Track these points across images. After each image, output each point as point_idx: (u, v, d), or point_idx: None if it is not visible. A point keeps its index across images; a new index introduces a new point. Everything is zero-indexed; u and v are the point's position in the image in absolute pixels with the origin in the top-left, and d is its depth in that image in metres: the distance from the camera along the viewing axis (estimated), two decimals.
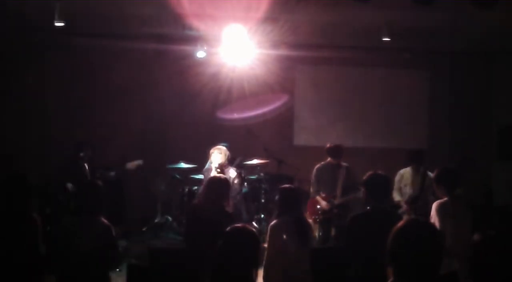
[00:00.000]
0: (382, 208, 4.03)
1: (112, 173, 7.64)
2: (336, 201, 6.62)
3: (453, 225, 4.48)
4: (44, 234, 4.14)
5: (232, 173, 6.73)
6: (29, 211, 4.09)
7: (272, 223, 4.45)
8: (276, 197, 4.67)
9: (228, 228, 2.78)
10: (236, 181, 6.72)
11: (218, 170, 6.60)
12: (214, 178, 5.17)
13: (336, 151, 6.65)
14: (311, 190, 6.81)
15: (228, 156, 6.82)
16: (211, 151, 6.75)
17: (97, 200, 4.01)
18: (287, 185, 4.75)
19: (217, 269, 2.69)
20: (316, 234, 6.99)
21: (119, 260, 4.16)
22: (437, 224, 4.49)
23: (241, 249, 2.67)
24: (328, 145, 6.73)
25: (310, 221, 6.81)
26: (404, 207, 6.37)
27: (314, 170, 6.75)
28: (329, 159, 6.71)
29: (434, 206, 4.59)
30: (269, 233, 4.42)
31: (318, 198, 6.67)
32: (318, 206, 6.67)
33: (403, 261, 2.21)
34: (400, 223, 2.30)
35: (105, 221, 3.99)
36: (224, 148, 6.81)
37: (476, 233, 2.39)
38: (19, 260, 3.94)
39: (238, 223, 2.92)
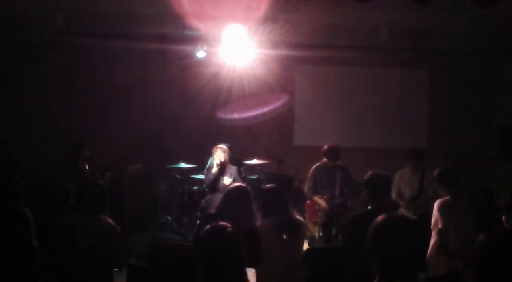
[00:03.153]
0: (383, 208, 4.02)
1: (112, 173, 7.64)
2: (336, 201, 6.61)
3: (456, 224, 4.48)
4: (44, 234, 4.14)
5: (233, 169, 6.86)
6: (19, 207, 4.09)
7: (259, 224, 4.26)
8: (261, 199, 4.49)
9: (206, 228, 2.75)
10: (237, 179, 6.83)
11: (219, 167, 6.73)
12: (232, 188, 4.31)
13: (333, 153, 6.64)
14: (306, 187, 6.79)
15: (230, 156, 6.92)
16: (214, 149, 6.84)
17: (101, 200, 4.01)
18: (269, 186, 4.62)
19: (205, 269, 2.65)
20: (317, 234, 7.00)
21: (124, 259, 4.15)
22: (439, 223, 4.50)
23: (222, 249, 2.64)
24: (325, 147, 6.71)
25: (311, 223, 6.82)
26: (402, 206, 6.37)
27: (311, 170, 6.75)
28: (325, 159, 6.70)
29: (436, 205, 4.60)
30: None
31: (315, 199, 6.65)
32: (317, 207, 6.65)
33: (383, 258, 2.19)
34: (377, 220, 2.29)
35: (110, 220, 3.99)
36: (227, 148, 6.91)
37: (482, 232, 2.38)
38: (12, 256, 3.94)
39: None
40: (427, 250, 4.53)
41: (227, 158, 6.86)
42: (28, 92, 8.73)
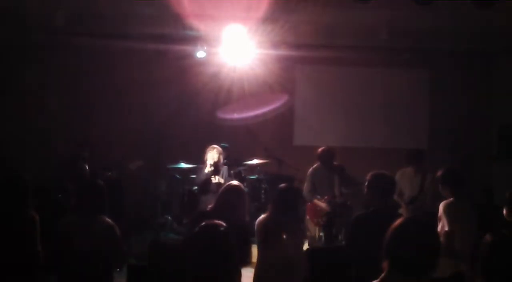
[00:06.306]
0: (386, 208, 4.01)
1: (112, 173, 7.64)
2: (337, 202, 6.61)
3: (460, 225, 4.46)
4: (43, 234, 4.14)
5: (224, 169, 6.89)
6: (28, 210, 4.08)
7: (259, 218, 4.32)
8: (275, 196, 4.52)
9: (201, 225, 2.73)
10: (227, 179, 6.73)
11: (213, 167, 6.72)
12: (230, 185, 4.51)
13: (326, 158, 6.64)
14: (304, 190, 6.78)
15: (223, 156, 6.92)
16: (208, 149, 6.87)
17: (100, 200, 4.01)
18: (285, 185, 4.64)
19: (195, 267, 2.63)
20: (317, 234, 7.00)
21: (123, 259, 4.15)
22: (446, 225, 4.47)
23: (209, 247, 2.61)
24: (318, 151, 6.72)
25: (313, 223, 6.83)
26: (403, 207, 6.36)
27: (309, 172, 6.76)
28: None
29: (442, 207, 4.57)
30: (256, 228, 4.27)
31: (316, 201, 6.66)
32: (318, 208, 6.66)
33: (401, 259, 2.22)
34: (398, 221, 2.32)
35: (109, 220, 3.99)
36: (221, 148, 6.93)
37: (484, 233, 2.38)
38: (17, 259, 3.93)
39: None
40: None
41: (221, 159, 6.85)
42: (28, 92, 8.72)
